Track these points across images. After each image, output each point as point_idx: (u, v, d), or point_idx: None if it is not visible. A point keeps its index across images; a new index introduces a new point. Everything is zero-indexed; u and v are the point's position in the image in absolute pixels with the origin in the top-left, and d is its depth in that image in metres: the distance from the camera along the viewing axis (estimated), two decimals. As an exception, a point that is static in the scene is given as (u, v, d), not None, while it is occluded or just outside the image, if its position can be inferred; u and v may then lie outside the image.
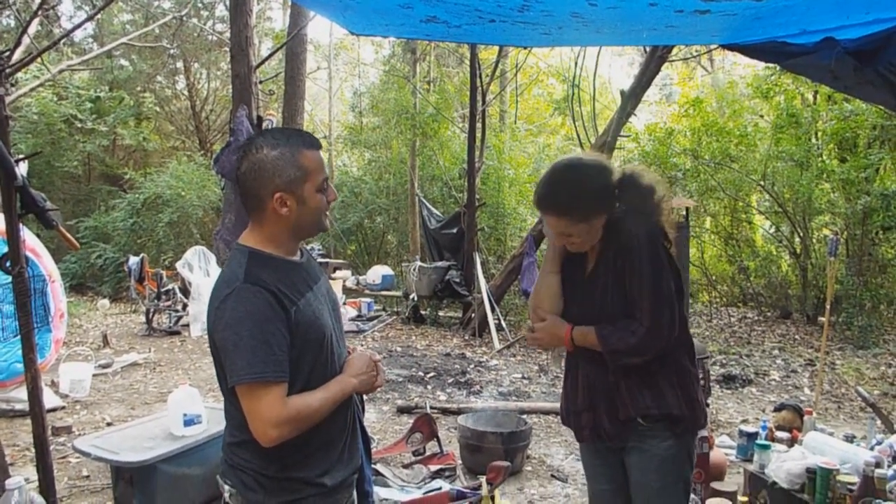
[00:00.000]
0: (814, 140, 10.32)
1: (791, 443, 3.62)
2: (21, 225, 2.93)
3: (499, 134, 14.38)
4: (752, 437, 3.61)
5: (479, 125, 10.60)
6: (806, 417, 3.83)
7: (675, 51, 8.80)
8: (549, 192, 2.13)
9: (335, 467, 1.78)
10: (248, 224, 1.78)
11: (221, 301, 1.63)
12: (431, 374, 7.28)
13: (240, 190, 1.74)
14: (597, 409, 2.17)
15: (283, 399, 1.60)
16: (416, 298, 10.58)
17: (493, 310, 9.30)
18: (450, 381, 7.02)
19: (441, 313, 11.02)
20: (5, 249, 2.92)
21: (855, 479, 2.90)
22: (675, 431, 2.10)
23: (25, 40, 5.79)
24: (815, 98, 10.62)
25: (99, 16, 14.69)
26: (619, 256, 2.09)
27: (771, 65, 8.82)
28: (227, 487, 1.73)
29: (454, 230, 11.04)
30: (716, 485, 3.46)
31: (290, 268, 1.74)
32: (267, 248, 1.72)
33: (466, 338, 9.45)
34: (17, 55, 4.21)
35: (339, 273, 11.84)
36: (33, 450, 3.05)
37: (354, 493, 1.96)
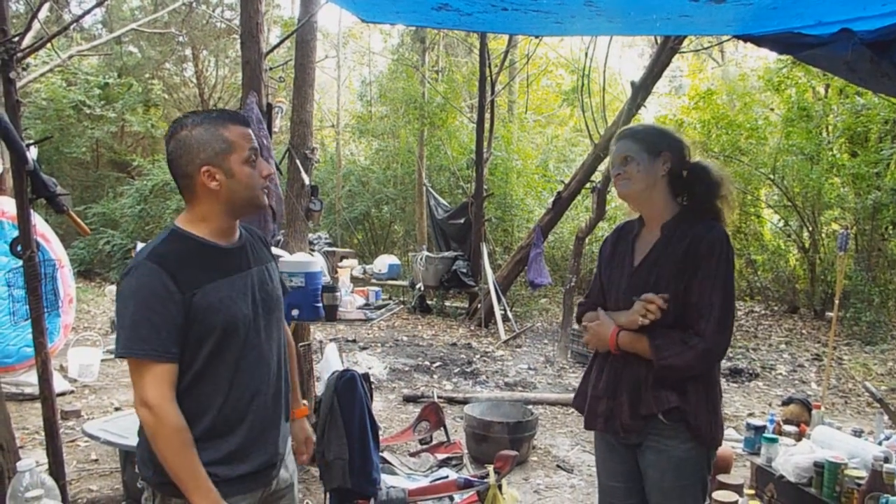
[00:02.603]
0: (825, 134, 10.24)
1: (799, 437, 3.61)
2: (31, 210, 2.94)
3: (507, 124, 14.33)
4: (759, 430, 3.60)
5: (487, 115, 10.56)
6: (814, 412, 3.83)
7: (685, 42, 8.72)
8: (633, 125, 2.30)
9: (233, 459, 1.71)
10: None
11: (123, 274, 1.67)
12: (437, 363, 7.30)
13: (171, 172, 1.75)
14: (618, 399, 2.09)
15: (162, 382, 1.59)
16: (422, 288, 10.60)
17: (499, 300, 9.30)
18: (456, 370, 7.04)
19: (447, 303, 11.04)
20: (16, 234, 2.94)
21: (863, 473, 2.89)
22: (694, 435, 2.01)
23: (35, 25, 5.79)
24: (826, 91, 10.53)
25: (108, 2, 14.67)
26: (690, 259, 2.00)
27: (783, 57, 8.76)
28: (137, 461, 1.76)
29: (461, 220, 11.03)
30: (722, 478, 3.45)
31: (209, 252, 1.72)
32: (195, 229, 1.72)
33: (472, 328, 9.46)
34: (28, 40, 4.21)
35: (345, 262, 11.83)
36: (43, 433, 3.08)
37: (277, 483, 1.88)
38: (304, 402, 2.11)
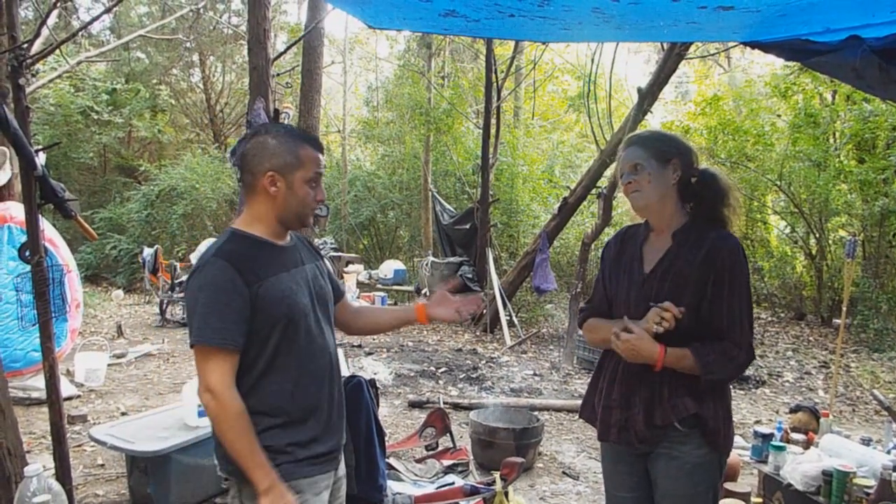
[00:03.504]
0: (832, 140, 10.21)
1: (807, 445, 3.59)
2: (39, 215, 2.95)
3: (513, 130, 14.35)
4: (767, 438, 3.58)
5: (493, 121, 10.57)
6: (822, 420, 3.81)
7: (692, 48, 8.73)
8: (641, 132, 2.27)
9: (311, 441, 1.84)
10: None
11: (192, 272, 1.80)
12: (443, 369, 7.29)
13: (241, 167, 1.89)
14: (631, 409, 2.06)
15: (225, 369, 1.71)
16: (427, 293, 10.59)
17: (504, 306, 9.29)
18: (461, 376, 7.03)
19: (453, 309, 11.01)
20: (25, 239, 2.95)
21: (872, 482, 2.87)
22: (708, 440, 2.01)
23: (44, 32, 5.81)
24: (833, 98, 10.51)
25: (116, 8, 14.76)
26: (709, 270, 2.00)
27: (790, 63, 8.74)
28: (216, 463, 1.86)
29: (467, 226, 11.03)
30: (729, 485, 3.44)
31: (268, 249, 1.85)
32: (251, 229, 1.86)
33: (478, 333, 9.45)
34: (36, 46, 4.23)
35: (351, 267, 11.87)
36: (49, 438, 3.09)
37: (340, 477, 2.01)
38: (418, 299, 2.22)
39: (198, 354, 1.72)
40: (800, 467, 3.18)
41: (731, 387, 2.15)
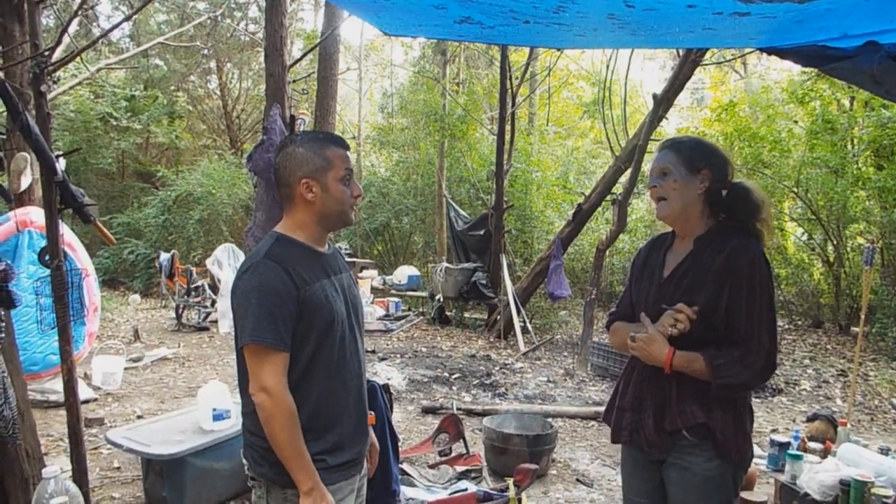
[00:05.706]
0: (850, 147, 10.11)
1: (824, 454, 3.55)
2: (59, 220, 2.99)
3: (527, 136, 14.33)
4: (783, 446, 3.55)
5: (507, 127, 10.57)
6: (840, 428, 3.76)
7: (708, 55, 8.68)
8: (680, 136, 2.25)
9: (338, 448, 1.88)
10: (282, 218, 1.96)
11: (242, 273, 1.83)
12: (456, 375, 7.28)
13: (276, 181, 1.95)
14: (642, 413, 2.07)
15: (279, 369, 1.75)
16: (441, 299, 10.60)
17: (518, 312, 9.27)
18: (475, 382, 7.02)
19: (466, 314, 11.02)
20: (44, 243, 2.99)
21: (890, 492, 2.84)
22: (719, 453, 1.97)
23: (65, 39, 5.90)
24: (851, 104, 10.42)
25: (136, 16, 14.94)
26: (729, 274, 1.97)
27: (807, 69, 8.68)
28: (245, 463, 1.89)
29: (481, 232, 11.03)
30: (745, 495, 3.41)
31: (312, 254, 1.90)
32: (295, 235, 1.90)
33: (491, 340, 9.43)
34: (58, 54, 4.30)
35: (365, 273, 11.91)
36: (66, 440, 3.12)
37: (363, 476, 2.05)
38: (371, 411, 2.23)
39: (252, 354, 1.76)
40: (817, 477, 3.14)
41: (750, 399, 2.09)
